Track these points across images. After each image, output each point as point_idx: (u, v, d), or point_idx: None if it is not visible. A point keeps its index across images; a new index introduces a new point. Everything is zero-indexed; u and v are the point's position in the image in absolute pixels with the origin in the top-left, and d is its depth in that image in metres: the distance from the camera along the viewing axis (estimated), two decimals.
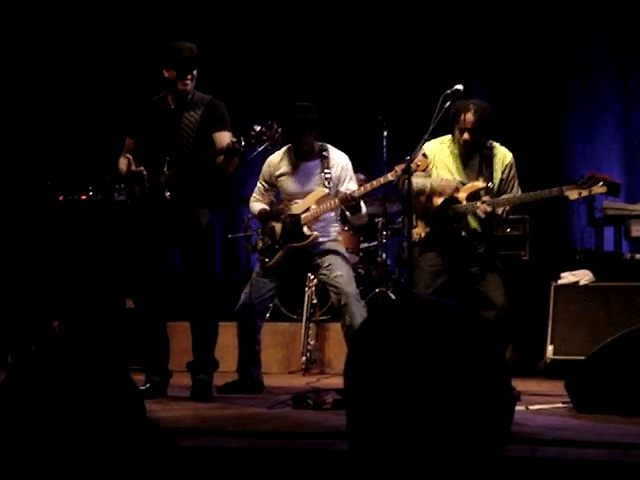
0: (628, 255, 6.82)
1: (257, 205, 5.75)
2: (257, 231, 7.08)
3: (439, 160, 5.36)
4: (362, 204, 5.47)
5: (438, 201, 5.33)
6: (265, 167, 5.73)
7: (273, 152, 5.70)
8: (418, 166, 5.01)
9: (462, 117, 5.20)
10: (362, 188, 5.46)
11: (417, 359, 1.79)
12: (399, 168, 5.00)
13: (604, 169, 7.61)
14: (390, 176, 5.17)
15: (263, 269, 5.61)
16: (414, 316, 1.97)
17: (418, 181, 5.23)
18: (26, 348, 6.93)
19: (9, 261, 7.37)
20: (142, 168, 5.25)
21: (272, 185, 5.70)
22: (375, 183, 5.38)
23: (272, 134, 4.94)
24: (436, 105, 4.95)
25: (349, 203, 5.38)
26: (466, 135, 5.25)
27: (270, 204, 5.76)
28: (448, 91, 4.90)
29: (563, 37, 8.14)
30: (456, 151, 5.37)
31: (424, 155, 5.11)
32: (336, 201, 5.43)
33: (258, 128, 4.94)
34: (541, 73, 8.17)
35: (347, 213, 5.57)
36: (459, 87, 4.89)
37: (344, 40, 8.67)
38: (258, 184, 5.77)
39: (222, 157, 5.08)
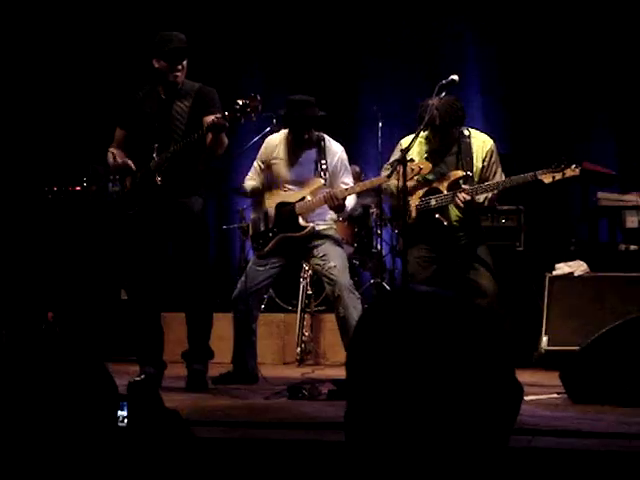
0: (622, 246, 6.83)
1: (251, 182, 5.71)
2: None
3: (417, 154, 5.35)
4: (347, 201, 5.46)
5: (412, 203, 5.31)
6: (263, 148, 5.69)
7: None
8: (421, 169, 5.02)
9: (429, 120, 5.16)
10: (356, 187, 5.48)
11: (420, 350, 1.78)
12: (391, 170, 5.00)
13: (599, 159, 7.61)
14: (384, 178, 5.20)
15: (257, 255, 5.61)
16: (418, 306, 1.96)
17: (390, 184, 5.19)
18: (20, 340, 6.92)
19: (3, 252, 7.35)
20: (128, 161, 5.24)
21: (268, 166, 5.68)
22: (368, 184, 5.46)
23: (255, 105, 4.96)
24: (431, 96, 4.96)
25: (332, 203, 5.38)
26: (437, 138, 5.27)
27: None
28: (443, 81, 4.90)
29: (562, 33, 8.13)
30: (432, 144, 5.37)
31: (426, 159, 5.14)
32: (320, 199, 5.43)
33: (241, 101, 4.95)
34: (538, 64, 8.16)
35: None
36: (454, 77, 4.89)
37: (340, 30, 8.65)
38: (255, 164, 5.73)
39: (210, 136, 5.08)
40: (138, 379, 5.17)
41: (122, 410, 1.88)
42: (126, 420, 1.88)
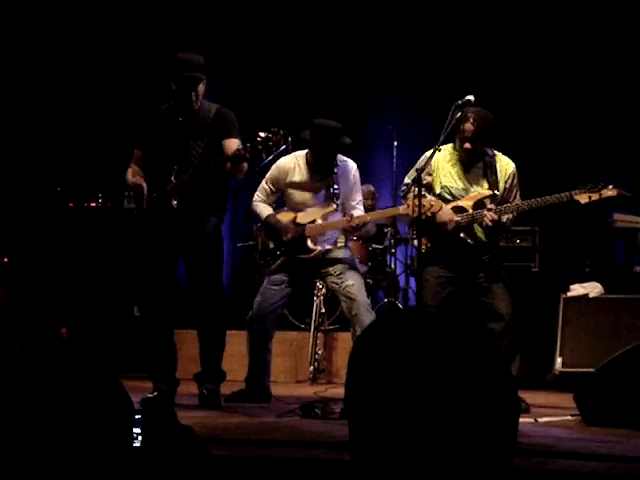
0: (638, 268, 6.80)
1: (265, 209, 5.64)
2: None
3: (442, 168, 5.34)
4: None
5: (445, 226, 5.30)
6: (275, 171, 5.63)
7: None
8: (432, 206, 5.03)
9: (462, 127, 5.17)
10: (368, 215, 5.51)
11: (419, 371, 1.77)
12: (411, 203, 4.98)
13: (614, 181, 7.58)
14: (402, 210, 5.22)
15: (268, 273, 5.61)
16: (416, 328, 1.95)
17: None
18: (34, 355, 6.93)
19: (19, 267, 7.37)
20: (141, 182, 5.26)
21: (279, 189, 5.65)
22: (381, 214, 5.54)
23: (277, 140, 4.96)
24: (447, 115, 4.97)
25: (348, 227, 5.40)
26: (467, 144, 5.23)
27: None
28: (459, 101, 4.90)
29: (571, 48, 8.14)
30: (458, 159, 5.35)
31: (437, 195, 5.17)
32: (334, 223, 5.45)
33: (263, 135, 4.96)
34: (549, 83, 8.17)
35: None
36: (470, 97, 4.89)
37: (356, 50, 8.68)
38: (264, 185, 5.66)
39: (229, 164, 5.08)
40: (151, 396, 5.16)
41: (137, 427, 1.88)
42: (140, 437, 1.88)
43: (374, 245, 7.64)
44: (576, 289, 6.44)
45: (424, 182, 5.10)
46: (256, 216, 5.77)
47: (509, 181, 5.33)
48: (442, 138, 4.96)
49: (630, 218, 6.99)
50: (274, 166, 5.67)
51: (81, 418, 1.70)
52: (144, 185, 5.26)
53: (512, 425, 1.55)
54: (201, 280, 5.27)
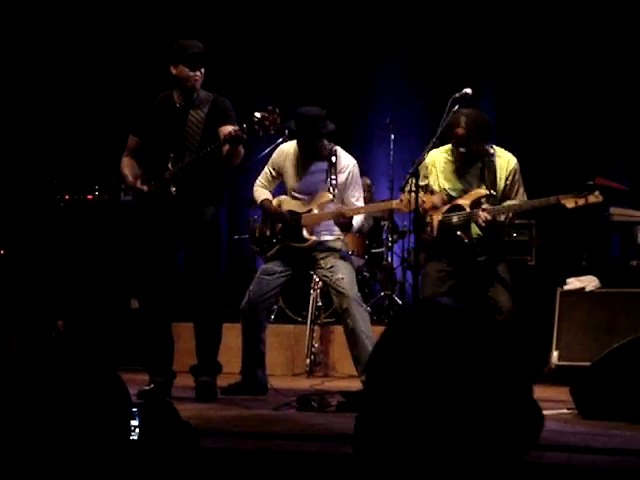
0: (634, 262, 6.80)
1: (262, 193, 5.70)
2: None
3: (440, 169, 5.35)
4: (354, 220, 5.48)
5: (435, 218, 5.31)
6: (276, 155, 5.69)
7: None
8: (424, 202, 5.03)
9: (454, 131, 5.17)
10: (364, 208, 5.51)
11: (440, 365, 1.76)
12: (405, 198, 5.01)
13: (611, 174, 7.59)
14: (395, 204, 5.23)
15: (263, 261, 5.63)
16: (440, 321, 1.94)
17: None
18: (30, 348, 6.92)
19: (14, 260, 7.37)
20: (140, 184, 5.25)
21: (279, 174, 5.69)
22: (377, 207, 5.49)
23: (274, 119, 4.97)
24: (444, 108, 4.97)
25: (340, 220, 5.40)
26: (462, 148, 5.25)
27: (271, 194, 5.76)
28: (457, 94, 4.90)
29: (572, 39, 8.13)
30: (456, 159, 5.36)
31: (431, 192, 5.17)
32: (328, 214, 5.44)
33: (259, 115, 4.96)
34: (549, 76, 8.16)
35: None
36: (468, 91, 4.89)
37: (354, 41, 8.67)
38: (266, 169, 5.73)
39: (227, 147, 5.08)
40: (147, 388, 5.16)
41: (134, 419, 1.88)
42: (137, 430, 1.88)
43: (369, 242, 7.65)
44: (572, 283, 6.45)
45: (421, 184, 5.12)
46: (254, 200, 5.81)
47: (510, 177, 5.32)
48: (439, 131, 4.97)
49: (626, 212, 6.99)
50: (277, 149, 5.73)
51: (78, 411, 1.70)
52: (143, 187, 5.24)
53: (533, 431, 1.54)
54: (199, 271, 5.27)
